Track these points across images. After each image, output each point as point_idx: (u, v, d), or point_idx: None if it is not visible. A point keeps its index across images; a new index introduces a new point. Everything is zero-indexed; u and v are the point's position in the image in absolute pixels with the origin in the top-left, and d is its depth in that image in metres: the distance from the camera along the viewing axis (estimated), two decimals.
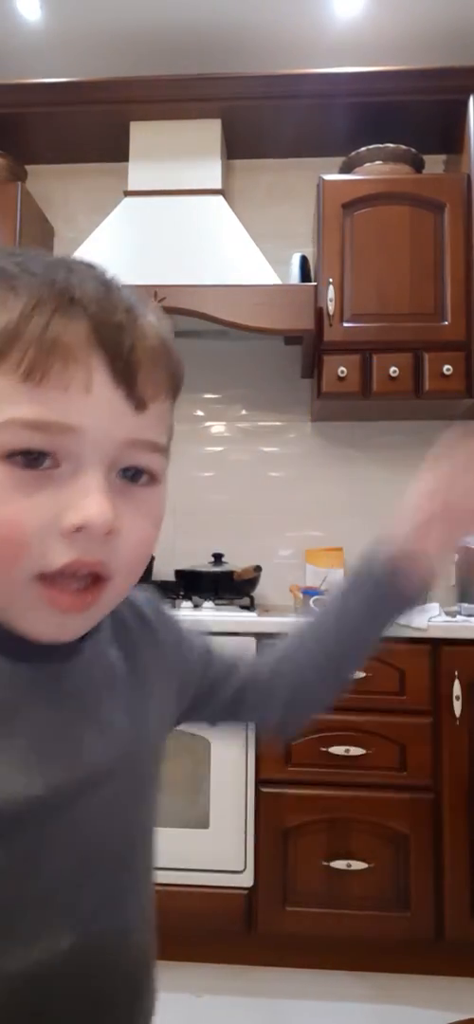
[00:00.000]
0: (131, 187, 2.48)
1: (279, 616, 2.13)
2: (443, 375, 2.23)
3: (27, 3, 2.35)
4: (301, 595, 2.28)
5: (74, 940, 0.51)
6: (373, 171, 2.38)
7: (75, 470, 0.47)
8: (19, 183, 2.46)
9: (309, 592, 2.26)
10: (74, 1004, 0.52)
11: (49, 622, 0.49)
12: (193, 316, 2.23)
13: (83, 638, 0.55)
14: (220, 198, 2.44)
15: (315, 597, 2.21)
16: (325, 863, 1.90)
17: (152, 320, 0.51)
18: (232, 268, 2.30)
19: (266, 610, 2.34)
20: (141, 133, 2.51)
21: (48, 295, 0.46)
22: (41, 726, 0.52)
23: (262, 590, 2.39)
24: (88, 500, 0.46)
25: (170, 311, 2.31)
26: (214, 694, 0.71)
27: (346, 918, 1.90)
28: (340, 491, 2.58)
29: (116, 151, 2.55)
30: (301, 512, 2.58)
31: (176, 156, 2.47)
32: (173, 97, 2.42)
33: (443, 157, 2.60)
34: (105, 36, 2.45)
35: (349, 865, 1.89)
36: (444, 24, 2.38)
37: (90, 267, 0.51)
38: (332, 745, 1.93)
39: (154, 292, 2.20)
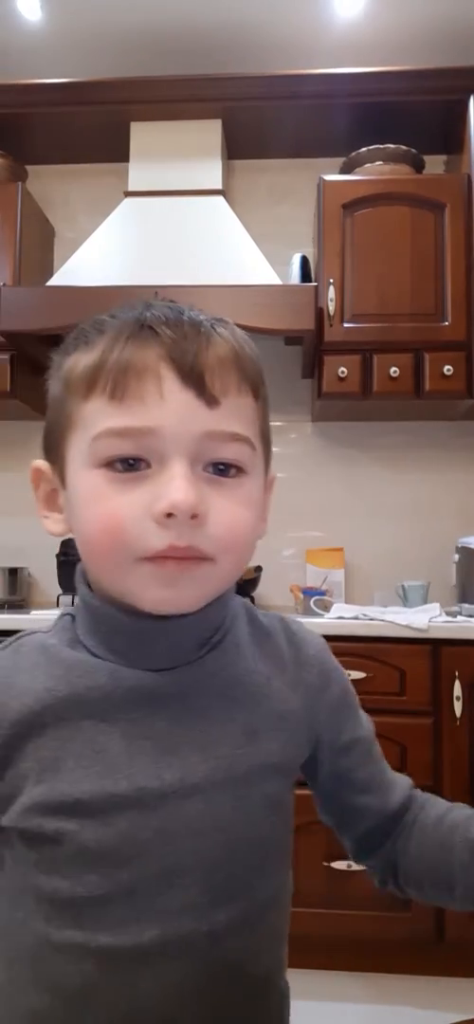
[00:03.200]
0: (131, 187, 2.48)
1: None
2: (443, 375, 2.23)
3: (28, 3, 2.35)
4: (302, 595, 2.28)
5: (157, 935, 0.55)
6: (373, 171, 2.38)
7: (162, 466, 0.54)
8: (20, 183, 2.46)
9: (309, 592, 2.25)
10: (154, 996, 0.55)
11: (164, 592, 0.55)
12: None
13: (210, 650, 0.61)
14: (220, 198, 2.44)
15: (315, 598, 2.21)
16: (325, 864, 1.89)
17: (222, 332, 0.58)
18: (232, 268, 2.30)
19: (267, 610, 2.34)
20: (141, 133, 2.51)
21: (125, 328, 0.56)
22: (137, 730, 0.57)
23: (263, 590, 2.39)
24: (172, 486, 0.53)
25: None
26: (339, 789, 0.69)
27: (346, 918, 1.90)
28: (341, 491, 2.57)
29: (117, 151, 2.55)
30: (302, 512, 2.58)
31: (177, 156, 2.47)
32: (174, 97, 2.42)
33: (443, 157, 2.60)
34: (105, 36, 2.45)
35: (349, 866, 1.88)
36: (444, 24, 2.38)
37: (171, 302, 0.59)
38: None
39: (155, 292, 2.19)
